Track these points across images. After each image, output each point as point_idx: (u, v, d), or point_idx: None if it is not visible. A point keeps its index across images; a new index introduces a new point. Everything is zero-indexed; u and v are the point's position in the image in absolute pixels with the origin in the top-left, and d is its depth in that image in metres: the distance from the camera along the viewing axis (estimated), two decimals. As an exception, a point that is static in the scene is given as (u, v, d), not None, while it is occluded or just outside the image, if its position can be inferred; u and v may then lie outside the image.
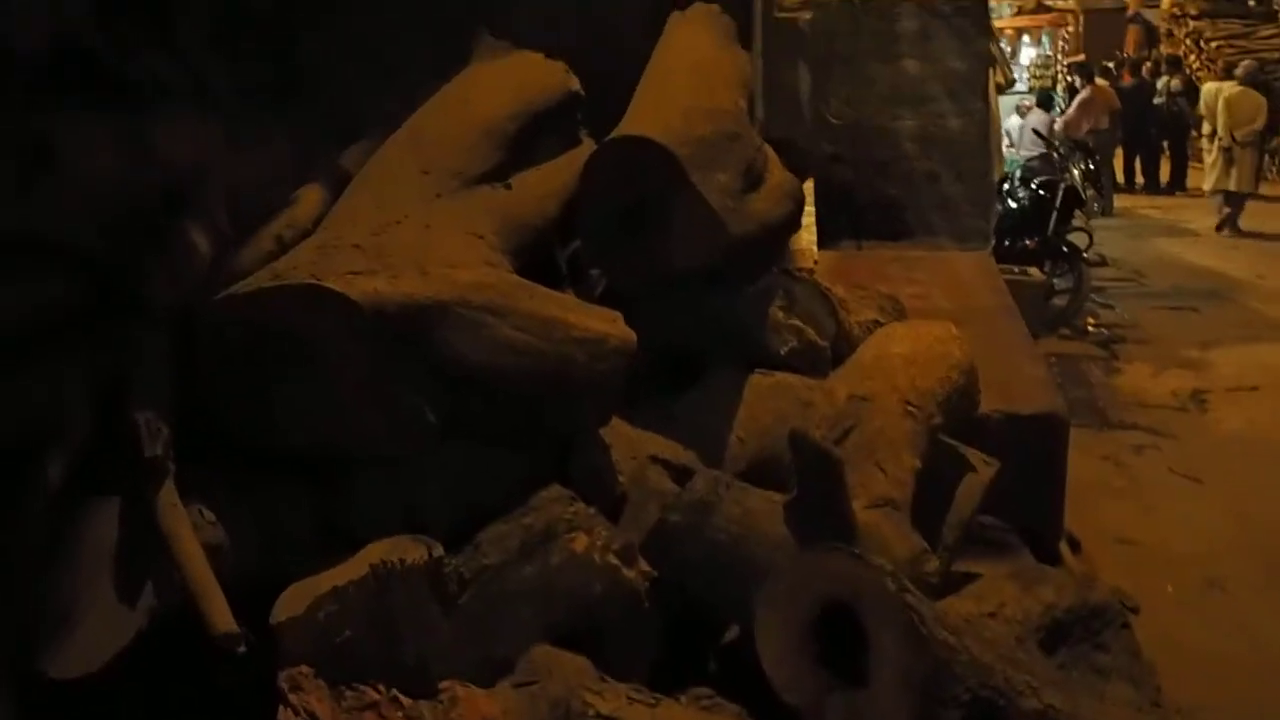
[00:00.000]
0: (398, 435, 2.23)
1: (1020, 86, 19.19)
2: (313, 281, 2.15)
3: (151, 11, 2.94)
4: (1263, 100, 15.95)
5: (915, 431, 2.80)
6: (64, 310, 2.26)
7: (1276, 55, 19.12)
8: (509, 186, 2.90)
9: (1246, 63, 16.94)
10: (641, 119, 3.02)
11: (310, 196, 2.76)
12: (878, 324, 3.55)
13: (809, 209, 5.16)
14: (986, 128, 6.83)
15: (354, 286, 2.22)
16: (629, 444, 2.65)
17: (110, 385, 2.17)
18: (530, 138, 3.08)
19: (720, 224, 2.86)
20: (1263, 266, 13.27)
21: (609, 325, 2.52)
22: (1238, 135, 15.51)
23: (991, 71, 7.00)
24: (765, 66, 5.83)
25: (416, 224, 2.57)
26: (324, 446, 2.23)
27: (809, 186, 5.69)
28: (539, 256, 2.95)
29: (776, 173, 3.41)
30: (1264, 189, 17.01)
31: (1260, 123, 15.68)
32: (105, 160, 2.43)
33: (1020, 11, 25.45)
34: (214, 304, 2.19)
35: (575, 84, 3.28)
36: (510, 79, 3.13)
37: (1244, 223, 15.59)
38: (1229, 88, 16.10)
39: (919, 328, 3.29)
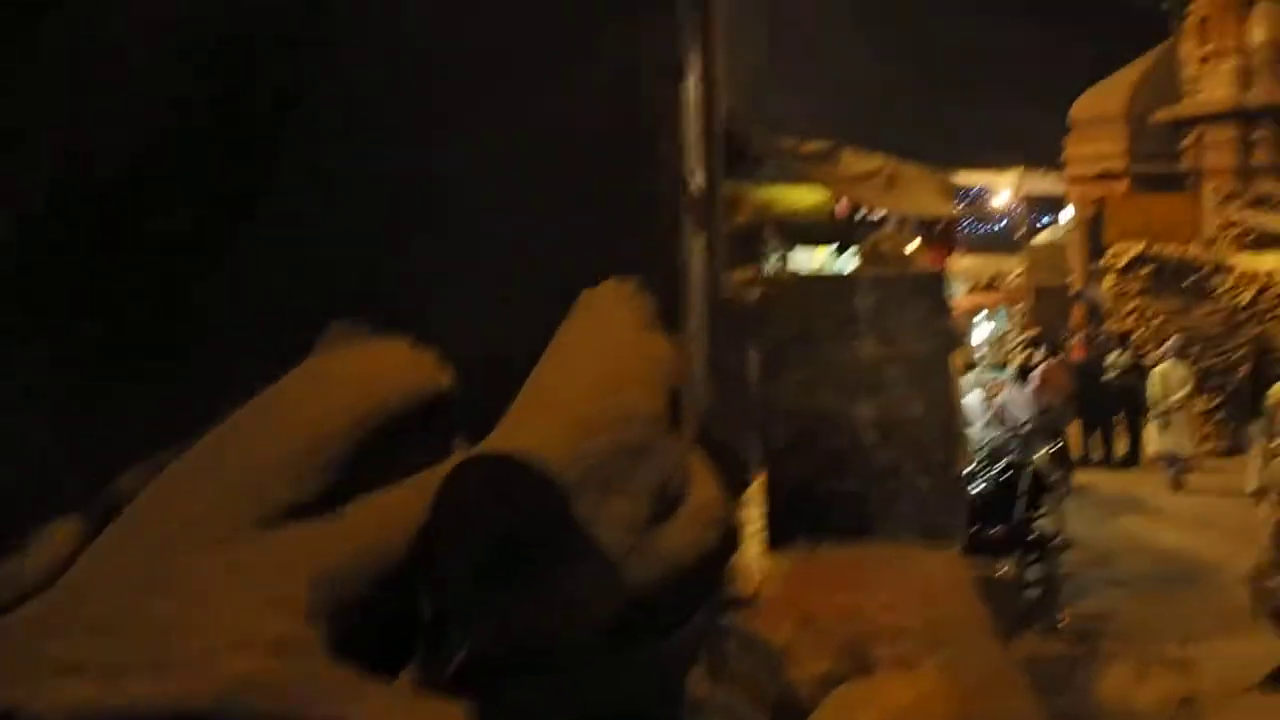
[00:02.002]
0: None
1: (976, 364, 19.21)
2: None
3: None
4: (1190, 371, 17.62)
5: None
6: None
7: (1214, 331, 19.63)
8: (341, 517, 2.15)
9: (1174, 338, 18.06)
10: (517, 429, 2.31)
11: (57, 536, 2.00)
12: (834, 679, 2.77)
13: (757, 511, 4.46)
14: (950, 413, 6.23)
15: (56, 698, 1.47)
16: None
17: None
18: (381, 451, 2.36)
19: (615, 570, 2.12)
20: (1231, 544, 12.77)
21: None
22: (1170, 403, 17.00)
23: (952, 351, 6.48)
24: (708, 350, 5.23)
25: (189, 583, 1.82)
26: None
27: (759, 484, 5.00)
28: (380, 612, 2.18)
29: (702, 490, 2.69)
30: (1204, 448, 18.40)
31: (1187, 391, 17.21)
32: None
33: (972, 289, 25.84)
34: None
35: (447, 380, 2.58)
36: (357, 374, 2.43)
37: (1195, 482, 16.74)
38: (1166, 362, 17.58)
39: (884, 695, 2.52)
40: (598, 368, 2.61)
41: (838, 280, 6.21)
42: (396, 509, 2.24)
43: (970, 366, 10.83)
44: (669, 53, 3.73)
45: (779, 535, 5.44)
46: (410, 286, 3.56)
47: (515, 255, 3.62)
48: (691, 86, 5.12)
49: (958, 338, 7.40)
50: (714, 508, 2.71)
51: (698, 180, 5.05)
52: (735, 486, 3.16)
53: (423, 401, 2.51)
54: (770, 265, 6.64)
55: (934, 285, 5.90)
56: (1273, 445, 7.23)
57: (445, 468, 2.33)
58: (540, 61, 3.71)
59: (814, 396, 6.00)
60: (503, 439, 2.27)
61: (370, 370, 2.45)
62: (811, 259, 12.93)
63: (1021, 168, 29.65)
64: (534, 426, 2.30)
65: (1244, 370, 16.72)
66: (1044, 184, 31.75)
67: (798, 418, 6.01)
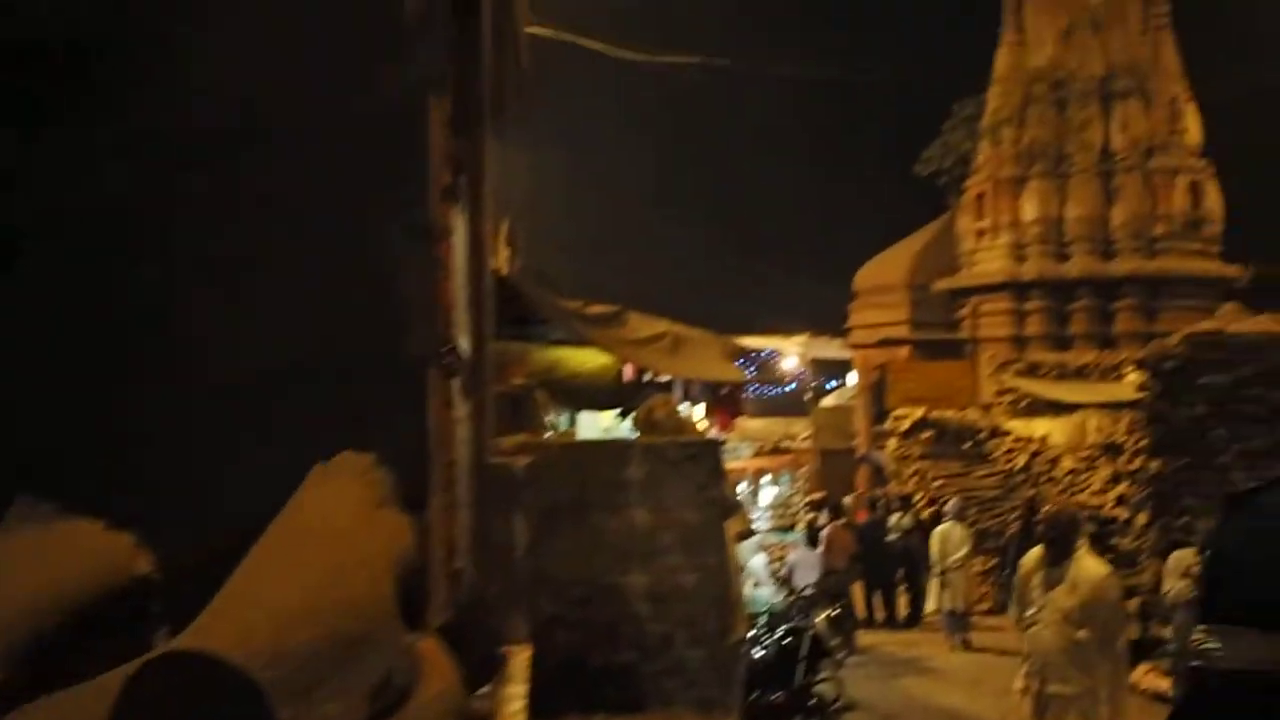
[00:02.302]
0: None
1: (762, 526, 19.31)
2: None
3: None
4: (969, 532, 17.93)
5: None
6: None
7: (991, 493, 20.17)
8: (5, 725, 1.90)
9: (953, 500, 18.38)
10: (217, 621, 2.09)
11: None
12: None
13: (519, 688, 4.24)
14: (725, 582, 6.13)
15: None
16: None
17: None
18: (65, 643, 2.11)
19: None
20: (1008, 702, 12.97)
21: None
22: (949, 563, 17.35)
23: (728, 519, 6.40)
24: (472, 519, 5.04)
25: None
26: None
27: (525, 658, 4.78)
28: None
29: (436, 679, 2.50)
30: (982, 607, 18.83)
31: (965, 552, 17.53)
32: None
33: (759, 452, 26.19)
34: None
35: (145, 566, 2.35)
36: (38, 559, 2.18)
37: (975, 640, 17.05)
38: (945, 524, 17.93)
39: None
40: (318, 552, 2.41)
41: (611, 447, 6.07)
42: (86, 707, 1.99)
43: (747, 534, 10.83)
44: (421, 213, 3.62)
45: (547, 711, 5.18)
46: (137, 449, 3.33)
47: (253, 422, 3.42)
48: (458, 247, 5.03)
49: (732, 505, 7.36)
50: (448, 697, 2.53)
51: (464, 344, 4.93)
52: (490, 666, 2.95)
53: (118, 589, 2.27)
54: (545, 430, 6.51)
55: (708, 453, 5.84)
56: (1026, 615, 7.30)
57: (132, 666, 2.10)
58: (285, 218, 3.57)
59: (585, 566, 5.84)
60: (198, 634, 2.05)
61: (55, 555, 2.21)
62: (596, 423, 12.88)
63: (809, 333, 30.51)
64: (236, 619, 2.09)
65: (1013, 530, 17.22)
66: (830, 349, 32.68)
67: (568, 588, 5.83)
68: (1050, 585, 7.15)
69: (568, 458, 5.72)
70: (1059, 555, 7.14)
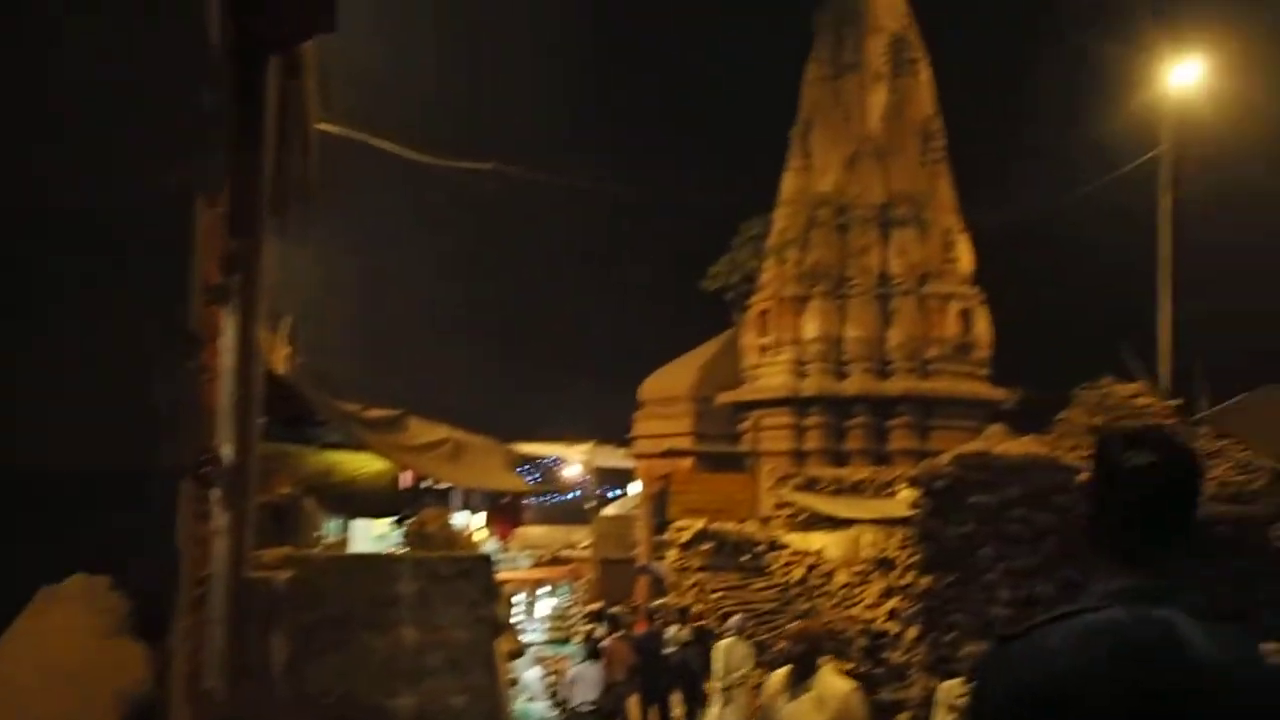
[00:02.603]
0: None
1: (540, 638, 19.00)
2: None
3: None
4: (750, 648, 17.44)
5: None
6: None
7: (769, 606, 20.26)
8: None
9: (738, 615, 18.19)
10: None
11: None
12: None
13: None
14: (495, 703, 5.92)
15: None
16: None
17: None
18: None
19: None
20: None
21: None
22: (732, 678, 16.84)
23: (499, 637, 6.21)
24: (226, 636, 4.75)
25: None
26: None
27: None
28: None
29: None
30: None
31: (748, 668, 17.06)
32: None
33: (538, 563, 25.90)
34: None
35: None
36: None
37: None
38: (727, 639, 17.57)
39: None
40: (36, 694, 2.18)
41: (380, 561, 5.84)
42: None
43: (518, 653, 10.58)
44: (181, 314, 3.41)
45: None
46: None
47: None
48: (227, 349, 4.80)
49: (504, 623, 7.18)
50: None
51: (227, 451, 4.68)
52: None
53: None
54: (313, 541, 6.22)
55: (481, 569, 5.66)
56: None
57: None
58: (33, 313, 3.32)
59: (349, 686, 5.56)
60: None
61: None
62: (370, 531, 12.51)
63: (593, 442, 30.54)
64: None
65: (781, 647, 17.41)
66: (614, 458, 32.76)
67: (330, 709, 5.53)
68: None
69: (333, 572, 5.46)
70: (803, 674, 7.17)
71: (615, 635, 17.81)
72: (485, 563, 5.68)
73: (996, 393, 28.48)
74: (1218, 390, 20.19)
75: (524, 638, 18.47)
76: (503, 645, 6.57)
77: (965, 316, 28.53)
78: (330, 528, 9.97)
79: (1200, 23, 31.20)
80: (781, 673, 7.44)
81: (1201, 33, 26.08)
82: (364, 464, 11.66)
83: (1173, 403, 20.89)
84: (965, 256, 29.07)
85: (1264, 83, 28.03)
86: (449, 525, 7.20)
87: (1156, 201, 23.65)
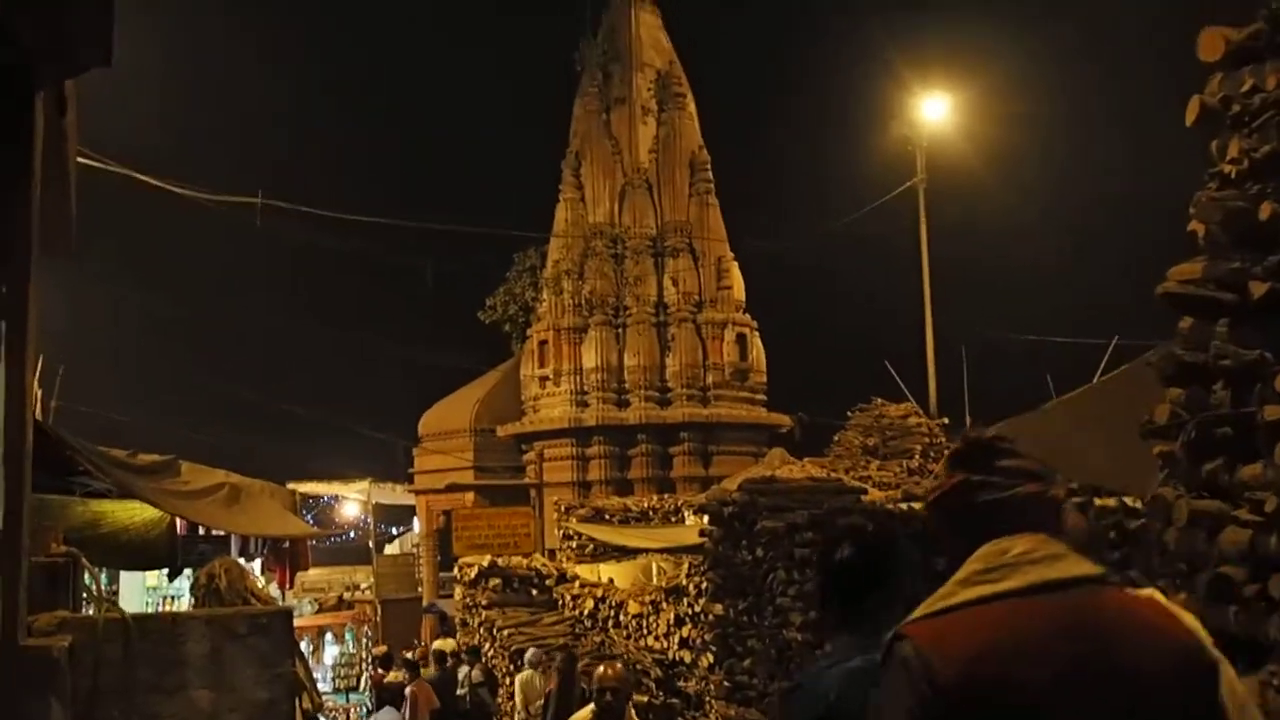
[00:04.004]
0: None
1: (326, 688, 18.36)
2: None
3: None
4: (548, 680, 17.06)
5: None
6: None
7: (560, 640, 20.07)
8: None
9: (531, 650, 17.90)
10: None
11: None
12: None
13: None
14: (295, 764, 5.60)
15: None
16: None
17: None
18: None
19: None
20: None
21: None
22: (532, 709, 16.60)
23: (298, 697, 5.89)
24: (3, 708, 4.36)
25: None
26: None
27: None
28: None
29: None
30: None
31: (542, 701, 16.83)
32: None
33: (322, 609, 25.12)
34: None
35: None
36: None
37: None
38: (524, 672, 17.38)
39: None
40: None
41: (167, 621, 5.46)
42: None
43: (318, 710, 10.15)
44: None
45: None
46: None
47: None
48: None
49: (306, 679, 6.83)
50: None
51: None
52: None
53: None
54: (89, 602, 5.80)
55: (279, 624, 5.35)
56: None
57: None
58: None
59: (135, 757, 5.17)
60: None
61: None
62: (142, 583, 11.84)
63: (370, 479, 29.86)
64: None
65: (551, 686, 17.30)
66: (394, 495, 32.13)
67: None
68: None
69: (115, 635, 5.07)
70: None
71: (417, 680, 17.31)
72: (284, 617, 5.37)
73: (775, 417, 29.12)
74: (980, 410, 21.10)
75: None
76: (304, 702, 6.24)
77: (741, 343, 29.10)
78: (101, 589, 9.35)
79: (948, 61, 32.82)
80: (585, 714, 7.18)
81: (949, 70, 27.38)
82: (134, 513, 11.03)
83: (939, 421, 21.72)
84: (737, 284, 29.69)
85: (1005, 117, 29.61)
86: (242, 576, 6.82)
87: (916, 232, 24.56)
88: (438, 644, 21.52)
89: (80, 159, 9.24)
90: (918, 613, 2.23)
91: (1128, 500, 10.68)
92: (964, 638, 2.12)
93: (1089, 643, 2.10)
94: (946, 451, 2.48)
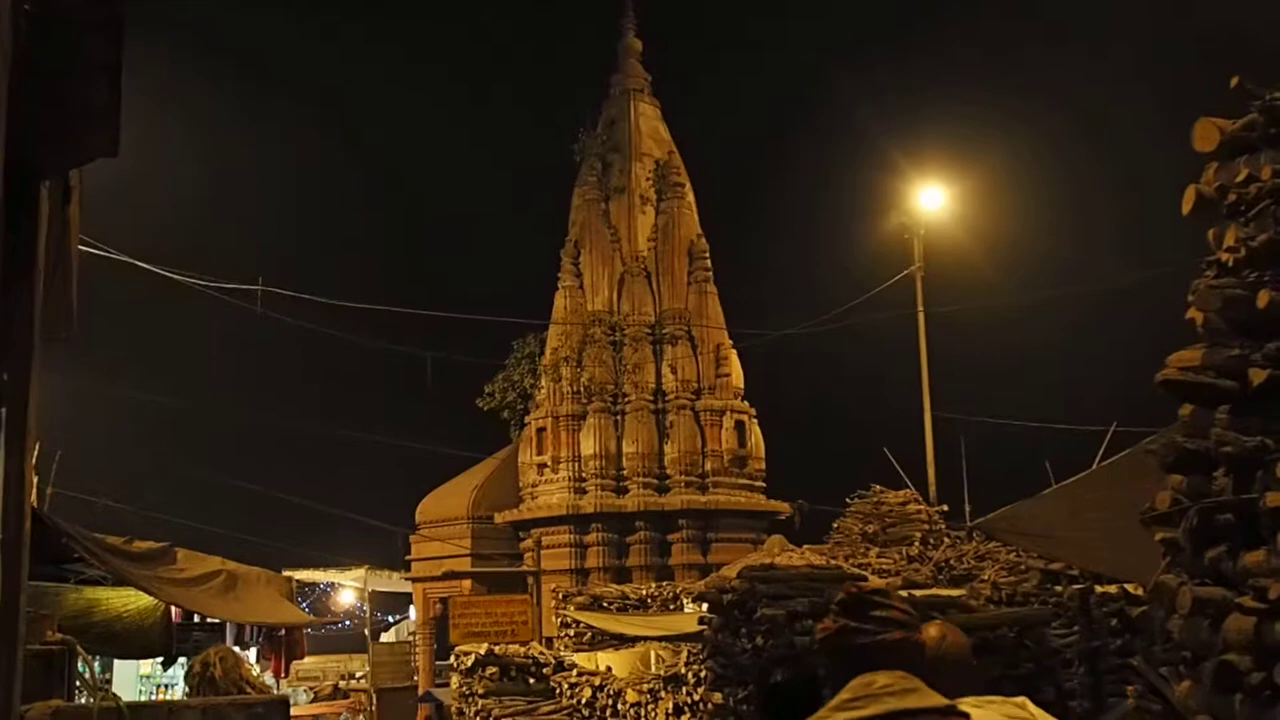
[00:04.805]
0: None
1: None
2: None
3: None
4: None
5: None
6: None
7: (559, 727, 19.84)
8: None
9: None
10: None
11: None
12: None
13: None
14: None
15: None
16: None
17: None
18: None
19: None
20: None
21: None
22: None
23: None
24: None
25: None
26: None
27: None
28: None
29: None
30: None
31: None
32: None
33: (317, 697, 24.82)
34: None
35: None
36: None
37: None
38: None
39: None
40: None
41: (162, 711, 5.40)
42: None
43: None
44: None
45: None
46: None
47: None
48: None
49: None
50: None
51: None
52: None
53: None
54: (84, 690, 5.72)
55: (274, 714, 5.29)
56: None
57: None
58: None
59: None
60: None
61: None
62: (137, 671, 11.70)
63: (367, 566, 29.65)
64: None
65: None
66: (390, 582, 31.87)
67: None
68: None
69: (112, 725, 5.02)
70: None
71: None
72: (280, 706, 5.31)
73: (774, 504, 29.01)
74: (979, 496, 21.04)
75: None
76: (296, 794, 6.17)
77: (740, 430, 29.07)
78: (95, 679, 9.24)
79: (945, 150, 33.15)
80: None
81: (946, 159, 27.64)
82: (128, 600, 10.94)
83: (939, 508, 21.63)
84: (736, 371, 29.74)
85: (1000, 207, 29.88)
86: (238, 665, 6.73)
87: (913, 319, 24.65)
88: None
89: (82, 246, 9.30)
90: None
91: (1129, 587, 10.63)
92: None
93: None
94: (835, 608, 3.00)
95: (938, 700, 2.67)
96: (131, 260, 15.46)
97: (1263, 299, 4.66)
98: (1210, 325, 5.06)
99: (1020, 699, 3.64)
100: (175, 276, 17.13)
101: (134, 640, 11.03)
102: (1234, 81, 5.04)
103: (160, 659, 12.44)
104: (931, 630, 3.47)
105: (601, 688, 18.99)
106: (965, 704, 3.16)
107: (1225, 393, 4.89)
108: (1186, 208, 5.19)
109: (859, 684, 2.66)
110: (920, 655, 2.89)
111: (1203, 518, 4.90)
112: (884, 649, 2.81)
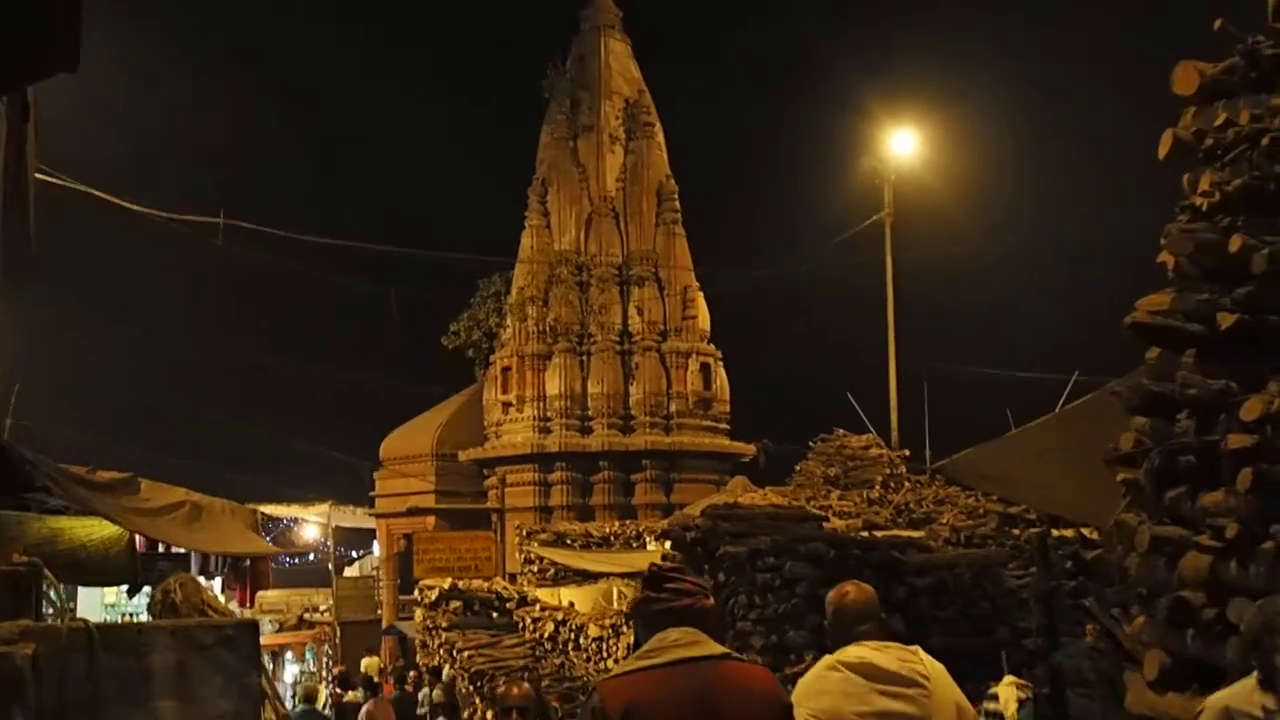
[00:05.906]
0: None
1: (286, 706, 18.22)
2: None
3: None
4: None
5: None
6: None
7: (520, 663, 20.01)
8: None
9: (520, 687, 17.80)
10: None
11: None
12: None
13: None
14: (257, 779, 5.54)
15: None
16: None
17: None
18: None
19: None
20: None
21: None
22: None
23: (262, 708, 5.84)
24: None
25: None
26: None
27: None
28: None
29: None
30: None
31: None
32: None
33: (282, 628, 24.90)
34: None
35: None
36: None
37: None
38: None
39: None
40: None
41: (131, 631, 5.40)
42: None
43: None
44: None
45: None
46: None
47: None
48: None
49: (271, 692, 6.80)
50: None
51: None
52: None
53: None
54: (48, 614, 5.74)
55: (244, 635, 5.30)
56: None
57: None
58: None
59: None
60: None
61: None
62: (102, 599, 11.69)
63: (331, 501, 29.66)
64: None
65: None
66: (355, 518, 31.92)
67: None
68: None
69: (79, 645, 5.01)
70: None
71: (375, 699, 17.18)
72: (249, 629, 5.32)
73: (737, 446, 29.19)
74: (942, 442, 21.19)
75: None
76: (267, 714, 6.19)
77: (705, 372, 29.19)
78: (63, 602, 9.23)
79: (917, 95, 33.10)
80: None
81: (918, 105, 27.56)
82: (92, 529, 10.90)
83: (900, 452, 21.81)
84: (703, 314, 29.79)
85: (972, 152, 29.89)
86: (199, 591, 6.76)
87: (882, 264, 24.68)
88: (364, 663, 21.34)
89: (39, 175, 9.18)
90: (609, 675, 3.50)
91: (1085, 531, 10.79)
92: (629, 691, 3.36)
93: (708, 695, 3.35)
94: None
95: (715, 649, 3.45)
96: (91, 190, 15.24)
97: (1235, 243, 4.71)
98: (1181, 270, 5.12)
99: (914, 647, 4.30)
100: (135, 209, 16.90)
101: (99, 568, 11.00)
102: (1216, 25, 5.06)
103: (126, 587, 12.42)
104: (838, 589, 4.39)
105: (564, 622, 19.18)
106: (866, 647, 4.22)
107: (1193, 337, 4.94)
108: (1163, 151, 5.21)
109: (656, 639, 3.47)
110: (706, 615, 3.57)
111: (1165, 459, 4.97)
112: (676, 612, 3.51)
